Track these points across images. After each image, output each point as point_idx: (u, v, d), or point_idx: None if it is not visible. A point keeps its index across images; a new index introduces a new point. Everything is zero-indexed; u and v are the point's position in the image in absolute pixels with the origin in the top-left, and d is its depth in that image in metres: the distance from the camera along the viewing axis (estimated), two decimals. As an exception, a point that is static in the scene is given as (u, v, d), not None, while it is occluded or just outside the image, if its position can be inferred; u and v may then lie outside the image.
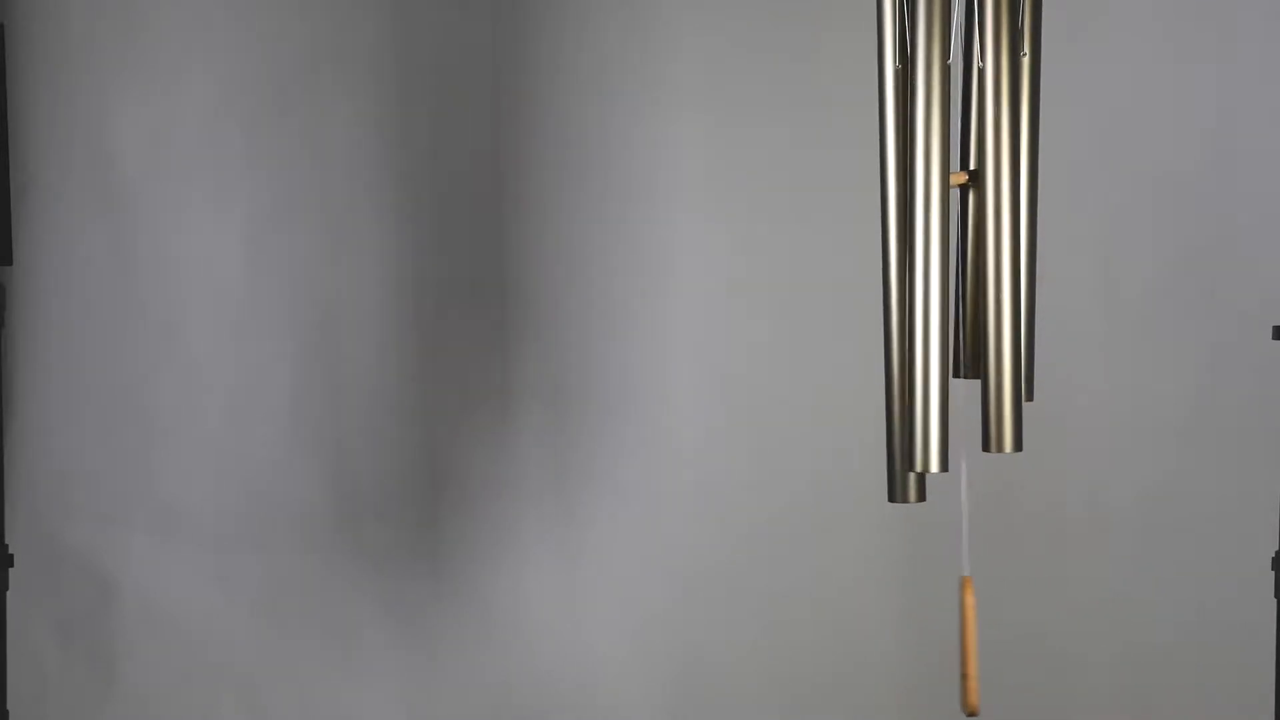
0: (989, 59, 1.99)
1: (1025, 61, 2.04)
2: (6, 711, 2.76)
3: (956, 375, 2.06)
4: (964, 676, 1.97)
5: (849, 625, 3.20)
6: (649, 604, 3.23)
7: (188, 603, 3.31)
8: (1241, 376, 3.07)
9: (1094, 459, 3.13)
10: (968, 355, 2.07)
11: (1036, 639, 3.13)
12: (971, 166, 2.04)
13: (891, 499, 2.02)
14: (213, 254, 3.29)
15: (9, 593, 2.77)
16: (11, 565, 2.73)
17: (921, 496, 2.01)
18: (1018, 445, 1.98)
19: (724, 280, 3.21)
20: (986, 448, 1.98)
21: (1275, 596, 2.53)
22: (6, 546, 2.73)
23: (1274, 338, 2.54)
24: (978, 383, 2.02)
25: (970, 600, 1.98)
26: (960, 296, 2.06)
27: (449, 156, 3.24)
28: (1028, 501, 3.13)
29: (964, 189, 2.04)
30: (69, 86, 3.28)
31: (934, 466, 1.93)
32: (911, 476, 2.01)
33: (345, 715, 3.27)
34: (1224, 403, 3.08)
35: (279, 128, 3.26)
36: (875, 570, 3.18)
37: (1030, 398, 2.07)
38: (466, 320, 3.26)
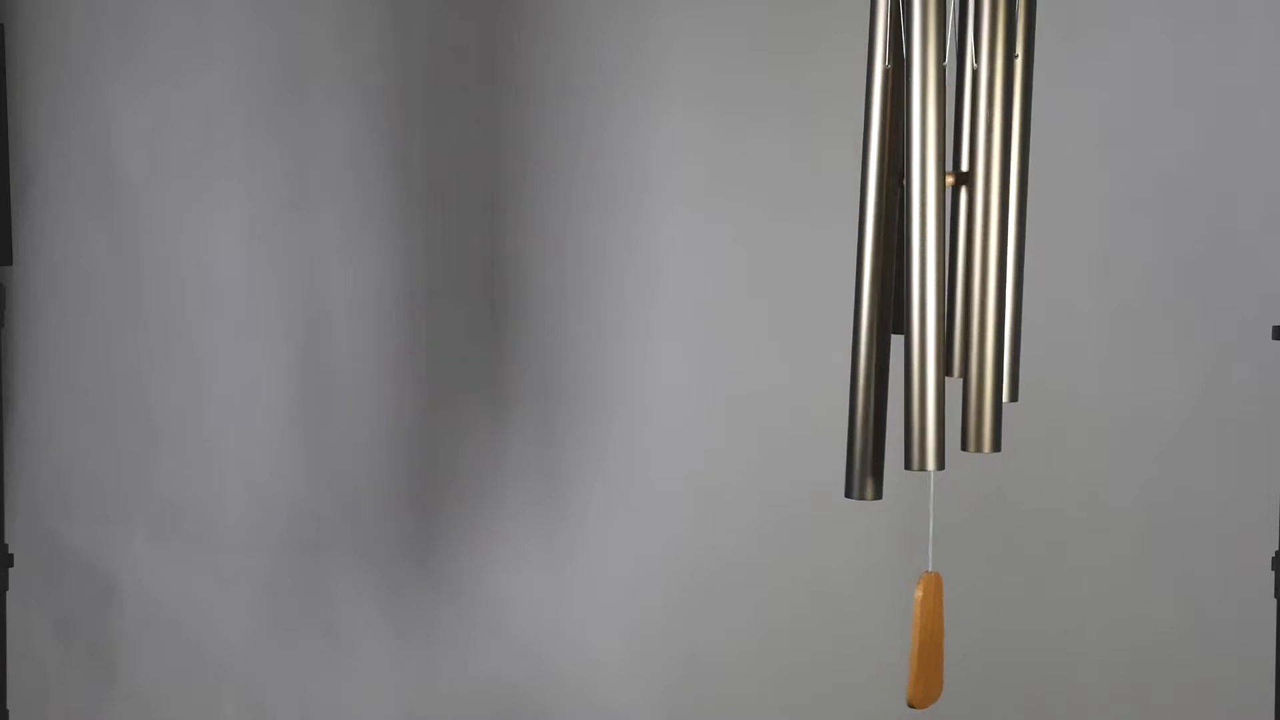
0: (983, 60, 1.99)
1: (1018, 63, 2.04)
2: (6, 711, 2.76)
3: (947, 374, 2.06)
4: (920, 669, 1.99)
5: (847, 626, 3.20)
6: (647, 604, 3.23)
7: (188, 603, 3.32)
8: (1241, 377, 3.07)
9: (1094, 459, 3.13)
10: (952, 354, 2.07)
11: (1036, 639, 3.13)
12: (964, 168, 2.04)
13: (849, 495, 2.02)
14: (213, 254, 3.30)
15: (9, 593, 2.77)
16: (11, 565, 2.73)
17: (878, 494, 2.01)
18: (996, 445, 1.98)
19: (720, 279, 3.21)
20: (965, 447, 1.98)
21: (1275, 596, 2.53)
22: (6, 546, 2.73)
23: (1274, 338, 2.54)
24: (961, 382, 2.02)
25: (920, 591, 1.99)
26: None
27: (447, 156, 3.25)
28: (1027, 501, 3.13)
29: (954, 189, 2.04)
30: (69, 86, 3.29)
31: (930, 465, 1.93)
32: (869, 473, 2.01)
33: (345, 715, 3.28)
34: (1224, 403, 3.08)
35: (279, 128, 3.26)
36: (873, 571, 3.18)
37: (1015, 398, 2.07)
38: (465, 320, 3.26)
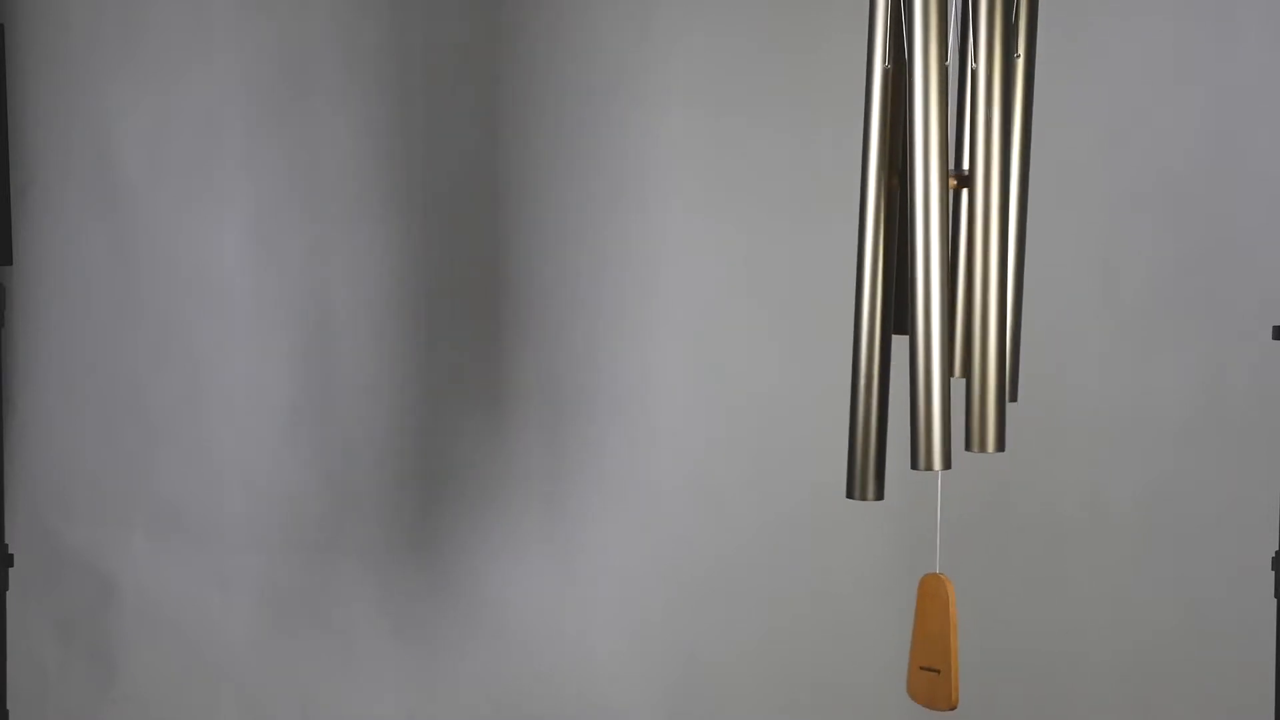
0: (982, 60, 1.99)
1: (1019, 63, 2.04)
2: (6, 711, 2.75)
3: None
4: (944, 670, 1.98)
5: (847, 626, 3.20)
6: (648, 604, 3.23)
7: (188, 603, 3.32)
8: (1241, 376, 3.07)
9: (1094, 459, 3.13)
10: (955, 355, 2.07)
11: (1036, 639, 3.13)
12: (965, 168, 2.04)
13: (850, 495, 2.02)
14: (213, 254, 3.29)
15: (9, 593, 2.77)
16: (11, 565, 2.73)
17: (880, 494, 2.02)
18: (1000, 445, 1.98)
19: (721, 279, 3.21)
20: (969, 447, 1.98)
21: (1275, 596, 2.53)
22: (6, 546, 2.73)
23: (1274, 338, 2.54)
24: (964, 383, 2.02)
25: (951, 595, 1.99)
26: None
27: (446, 156, 3.25)
28: (1028, 502, 3.13)
29: (955, 191, 2.04)
30: (69, 86, 3.28)
31: (936, 465, 1.93)
32: (870, 473, 2.01)
33: (344, 715, 3.27)
34: (1224, 403, 3.08)
35: (278, 128, 3.26)
36: (873, 571, 3.18)
37: (1014, 398, 2.07)
38: (464, 320, 3.26)
